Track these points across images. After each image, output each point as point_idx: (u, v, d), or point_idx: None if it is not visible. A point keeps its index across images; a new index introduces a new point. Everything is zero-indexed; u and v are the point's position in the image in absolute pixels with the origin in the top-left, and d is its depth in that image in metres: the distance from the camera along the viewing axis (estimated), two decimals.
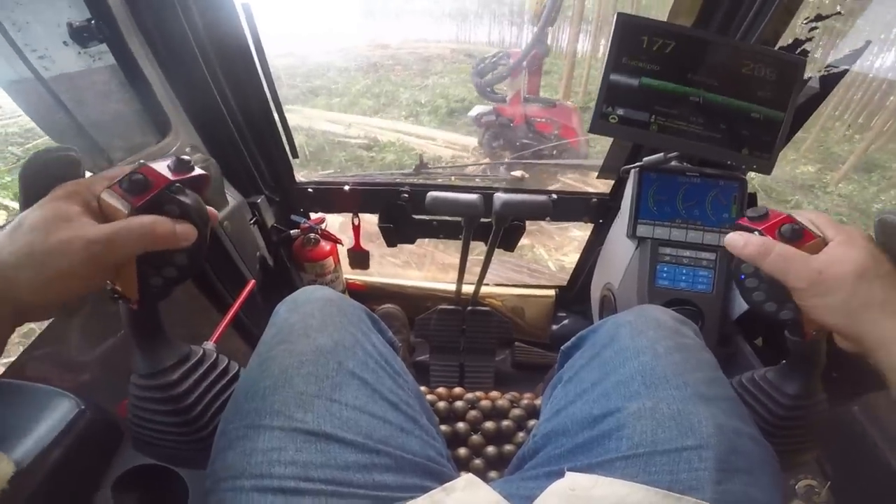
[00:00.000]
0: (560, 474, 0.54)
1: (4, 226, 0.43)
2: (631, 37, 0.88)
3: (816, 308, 0.52)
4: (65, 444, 0.58)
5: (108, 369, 0.85)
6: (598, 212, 1.38)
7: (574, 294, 1.64)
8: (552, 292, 1.62)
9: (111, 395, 0.72)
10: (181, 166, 0.52)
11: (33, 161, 0.48)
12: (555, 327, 1.62)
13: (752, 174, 1.01)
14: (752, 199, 1.03)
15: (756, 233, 0.57)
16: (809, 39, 0.94)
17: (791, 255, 0.52)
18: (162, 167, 0.51)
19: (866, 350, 0.48)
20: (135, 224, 0.46)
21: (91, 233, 0.43)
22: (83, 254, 0.42)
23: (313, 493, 0.48)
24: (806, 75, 0.92)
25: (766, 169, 0.93)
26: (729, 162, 0.95)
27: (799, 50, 0.95)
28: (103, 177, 0.49)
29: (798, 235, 0.54)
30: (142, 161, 0.51)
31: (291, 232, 1.37)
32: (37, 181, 0.47)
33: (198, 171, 0.54)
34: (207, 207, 0.54)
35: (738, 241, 0.57)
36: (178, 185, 0.51)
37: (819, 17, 0.93)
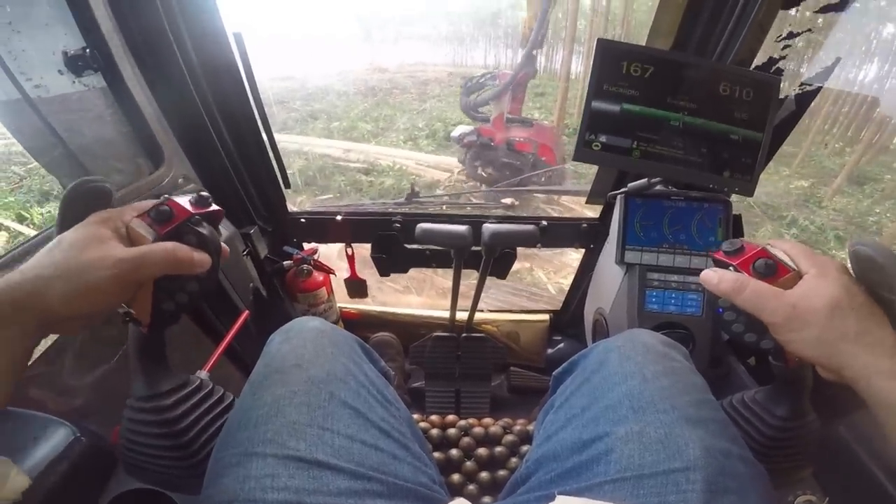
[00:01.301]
0: (550, 498, 0.54)
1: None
2: (611, 63, 0.90)
3: (793, 342, 0.53)
4: (60, 471, 0.58)
5: (100, 395, 0.86)
6: (589, 237, 1.39)
7: (568, 318, 1.65)
8: (546, 317, 1.62)
9: (103, 421, 0.72)
10: (201, 201, 0.60)
11: (73, 190, 0.54)
12: (550, 351, 1.62)
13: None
14: (737, 221, 1.05)
15: (731, 268, 0.59)
16: (783, 58, 0.96)
17: (764, 291, 0.54)
18: (184, 201, 0.58)
19: (846, 380, 0.50)
20: (159, 248, 0.53)
21: (120, 253, 0.49)
22: (112, 271, 0.48)
23: None
24: (782, 94, 0.94)
25: (748, 191, 0.94)
26: (711, 186, 0.96)
27: (773, 69, 0.97)
28: (132, 207, 0.56)
29: (772, 271, 0.56)
30: (167, 195, 0.58)
31: (284, 263, 1.38)
32: (75, 207, 0.54)
33: (214, 206, 0.62)
34: (221, 244, 0.61)
35: (712, 278, 0.59)
36: (197, 217, 0.58)
37: (791, 35, 0.94)
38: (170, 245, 0.53)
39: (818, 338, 0.50)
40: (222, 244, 0.61)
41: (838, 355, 0.49)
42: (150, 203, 0.57)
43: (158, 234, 0.54)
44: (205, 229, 0.59)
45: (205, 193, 0.60)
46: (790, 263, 0.56)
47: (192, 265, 0.55)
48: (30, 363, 0.74)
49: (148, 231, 0.54)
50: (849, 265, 0.55)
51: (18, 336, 0.45)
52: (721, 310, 0.62)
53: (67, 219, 0.53)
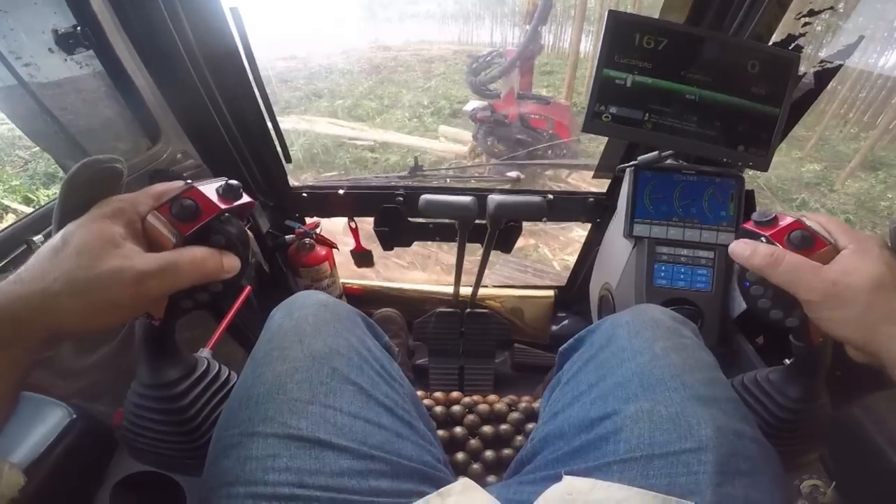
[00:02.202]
0: (557, 478, 0.53)
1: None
2: (623, 34, 0.88)
3: (830, 321, 0.50)
4: (58, 453, 0.58)
5: (102, 378, 0.85)
6: (596, 211, 1.38)
7: (573, 294, 1.64)
8: (551, 293, 1.61)
9: (105, 403, 0.72)
10: (230, 192, 0.51)
11: (80, 172, 0.46)
12: (554, 328, 1.61)
13: (753, 172, 1.00)
14: (749, 196, 1.03)
15: (763, 239, 0.55)
16: (803, 35, 0.93)
17: (802, 265, 0.50)
18: (210, 191, 0.50)
19: (883, 363, 0.46)
20: (186, 259, 0.46)
21: (141, 265, 0.42)
22: (133, 286, 0.42)
23: (308, 500, 0.48)
24: (800, 71, 0.91)
25: (763, 166, 0.92)
26: (725, 160, 0.94)
27: (792, 45, 0.94)
28: (148, 195, 0.48)
29: (808, 243, 0.52)
30: (189, 181, 0.50)
31: (287, 237, 1.37)
32: (80, 192, 0.46)
33: (245, 197, 0.53)
34: (249, 236, 0.55)
35: (744, 250, 0.55)
36: (227, 214, 0.50)
37: (812, 13, 0.92)
38: (198, 254, 0.46)
39: (858, 318, 0.47)
40: (249, 234, 0.54)
41: (878, 336, 0.46)
42: (168, 188, 0.49)
43: (182, 234, 0.47)
44: (234, 227, 0.51)
45: (234, 182, 0.52)
46: (827, 237, 0.52)
47: (222, 273, 0.49)
48: None
49: (170, 230, 0.47)
50: (888, 242, 0.51)
51: (21, 356, 0.39)
52: (748, 283, 0.58)
53: (70, 206, 0.45)
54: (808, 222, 0.53)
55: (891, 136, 8.29)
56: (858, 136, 8.89)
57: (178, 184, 0.50)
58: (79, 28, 0.84)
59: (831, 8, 0.93)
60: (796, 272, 0.50)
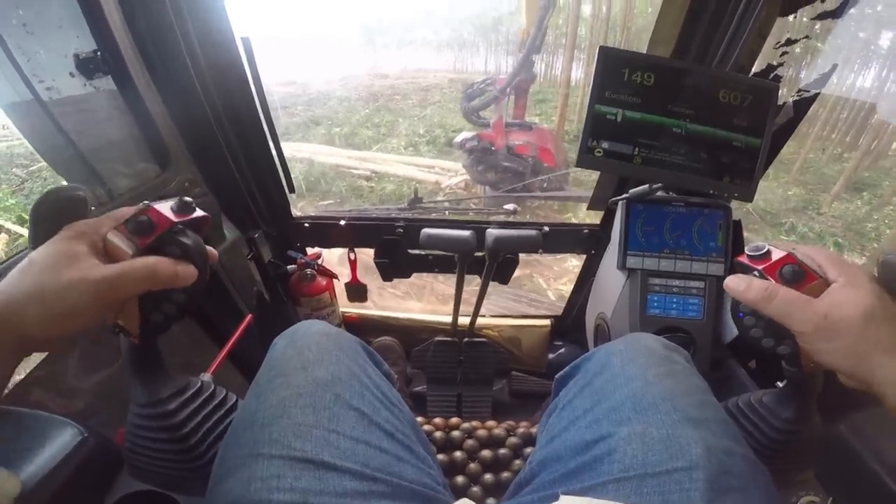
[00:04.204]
0: (554, 498, 0.54)
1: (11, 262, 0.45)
2: (613, 70, 0.91)
3: (822, 351, 0.52)
4: (67, 471, 0.58)
5: (105, 397, 0.86)
6: (590, 242, 1.40)
7: (569, 323, 1.65)
8: (548, 322, 1.63)
9: (108, 423, 0.73)
10: (184, 208, 0.55)
11: (44, 200, 0.51)
12: (551, 356, 1.63)
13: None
14: (737, 227, 1.05)
15: (756, 273, 0.57)
16: (781, 64, 0.97)
17: (794, 299, 0.52)
18: (165, 208, 0.54)
19: (874, 390, 0.48)
20: (138, 265, 0.49)
21: (97, 273, 0.46)
22: (90, 293, 0.46)
23: None
24: (781, 100, 0.95)
25: (747, 197, 0.95)
26: (711, 191, 0.97)
27: (772, 75, 0.98)
28: (109, 217, 0.52)
29: (799, 277, 0.54)
30: (146, 202, 0.54)
31: (288, 267, 1.39)
32: (47, 219, 0.50)
33: (199, 212, 0.57)
34: (207, 247, 0.58)
35: (738, 285, 0.57)
36: (180, 226, 0.54)
37: (789, 42, 0.96)
38: (150, 261, 0.50)
39: (850, 348, 0.49)
40: (210, 249, 0.58)
41: (869, 365, 0.48)
42: (128, 211, 0.53)
43: (138, 247, 0.51)
44: (188, 239, 0.55)
45: (188, 199, 0.56)
46: (817, 270, 0.54)
47: (177, 279, 0.52)
48: (35, 365, 0.75)
49: (126, 244, 0.51)
50: (876, 274, 0.54)
51: None
52: (741, 314, 0.60)
53: (40, 233, 0.50)
54: (799, 256, 0.56)
55: (873, 156, 8.40)
56: (842, 157, 9.00)
57: (138, 207, 0.54)
58: (99, 53, 0.86)
59: (807, 37, 0.97)
60: (789, 306, 0.53)
